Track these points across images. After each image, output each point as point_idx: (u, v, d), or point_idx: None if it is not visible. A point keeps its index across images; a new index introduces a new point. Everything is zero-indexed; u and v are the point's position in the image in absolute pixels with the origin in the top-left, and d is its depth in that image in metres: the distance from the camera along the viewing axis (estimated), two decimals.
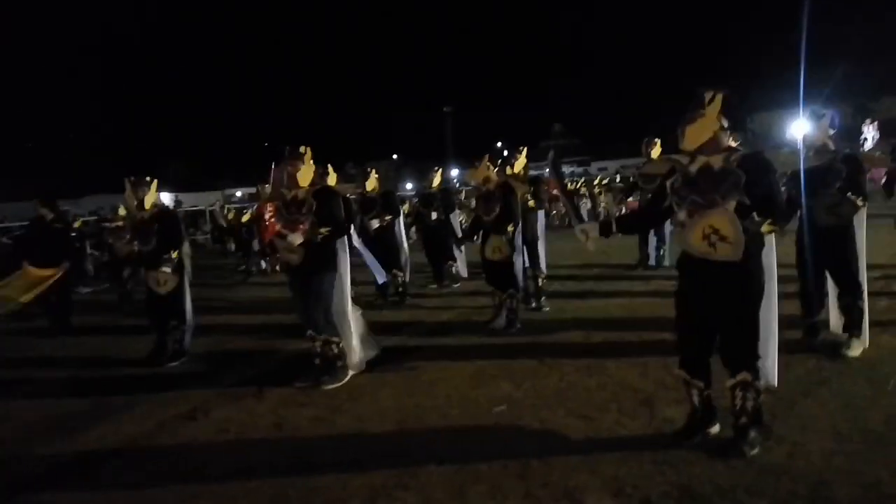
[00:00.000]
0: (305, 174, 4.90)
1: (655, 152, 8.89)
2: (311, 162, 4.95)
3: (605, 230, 3.55)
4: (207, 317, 7.45)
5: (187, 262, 6.07)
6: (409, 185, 29.42)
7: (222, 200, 35.57)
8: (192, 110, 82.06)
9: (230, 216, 15.16)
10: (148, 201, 6.00)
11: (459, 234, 8.62)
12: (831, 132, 4.58)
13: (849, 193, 4.45)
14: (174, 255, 5.82)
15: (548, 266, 7.60)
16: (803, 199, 4.53)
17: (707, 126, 3.15)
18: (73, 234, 10.54)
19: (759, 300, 3.20)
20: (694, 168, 3.21)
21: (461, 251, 9.27)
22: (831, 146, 4.56)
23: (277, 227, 4.85)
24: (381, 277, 6.46)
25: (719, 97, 3.15)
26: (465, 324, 6.71)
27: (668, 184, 3.36)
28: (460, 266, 9.33)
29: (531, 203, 6.89)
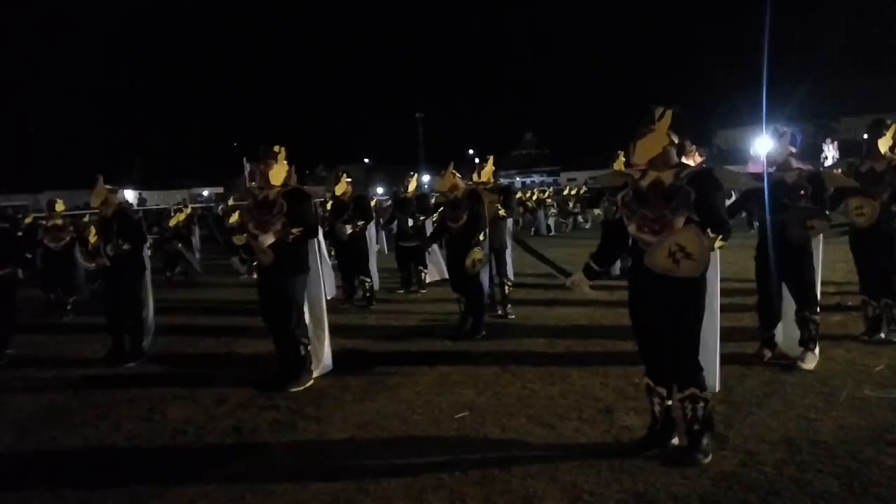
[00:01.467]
0: (278, 173, 4.86)
1: (618, 165, 9.00)
2: (285, 162, 4.92)
3: (589, 273, 3.62)
4: (167, 317, 7.32)
5: (147, 262, 5.98)
6: (379, 190, 29.31)
7: (189, 199, 35.08)
8: (159, 107, 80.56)
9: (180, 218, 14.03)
10: (97, 200, 5.94)
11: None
12: (793, 149, 4.71)
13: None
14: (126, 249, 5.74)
15: (515, 274, 7.65)
16: (767, 214, 4.63)
17: (657, 141, 3.22)
18: (20, 234, 9.14)
19: (702, 314, 3.28)
20: (644, 183, 3.27)
21: (430, 253, 9.24)
22: (793, 163, 4.68)
23: (249, 227, 4.82)
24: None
25: (669, 113, 3.22)
26: (430, 329, 6.71)
27: (619, 197, 3.42)
28: (437, 268, 9.29)
29: (501, 212, 6.94)
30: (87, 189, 6.15)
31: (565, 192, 25.45)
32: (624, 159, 9.00)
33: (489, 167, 7.25)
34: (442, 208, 6.96)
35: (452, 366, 5.21)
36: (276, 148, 4.89)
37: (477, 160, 7.54)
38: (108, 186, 6.08)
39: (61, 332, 7.56)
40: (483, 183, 7.00)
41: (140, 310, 5.87)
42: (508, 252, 7.23)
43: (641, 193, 3.27)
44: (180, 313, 8.17)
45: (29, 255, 7.85)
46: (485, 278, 6.32)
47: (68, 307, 8.80)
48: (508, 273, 7.24)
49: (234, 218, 12.99)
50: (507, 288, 7.17)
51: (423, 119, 65.61)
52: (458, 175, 6.43)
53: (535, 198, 22.35)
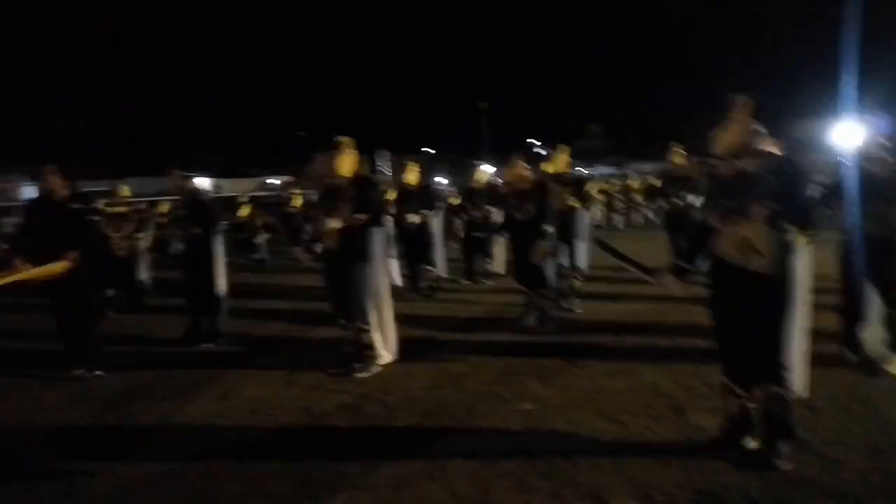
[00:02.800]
0: (346, 163, 4.96)
1: (677, 158, 8.72)
2: (353, 151, 5.01)
3: (678, 271, 3.63)
4: (241, 300, 7.57)
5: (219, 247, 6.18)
6: (442, 180, 29.41)
7: (260, 188, 36.19)
8: (233, 96, 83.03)
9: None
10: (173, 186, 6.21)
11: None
12: (885, 141, 4.44)
13: None
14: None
15: (588, 267, 7.53)
16: (853, 209, 4.41)
17: (739, 131, 3.14)
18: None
19: (786, 309, 3.13)
20: (727, 172, 3.18)
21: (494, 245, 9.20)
22: (887, 156, 4.42)
23: (317, 213, 4.95)
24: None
25: (749, 103, 3.15)
26: (495, 320, 6.71)
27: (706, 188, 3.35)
28: (498, 263, 9.29)
29: (573, 203, 6.84)
30: (165, 176, 6.40)
31: (632, 184, 24.79)
32: (680, 151, 8.73)
33: (564, 157, 7.13)
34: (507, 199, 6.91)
35: (518, 357, 5.20)
36: (344, 138, 4.98)
37: (545, 151, 7.45)
38: (182, 173, 6.33)
39: (143, 312, 7.92)
40: (557, 174, 6.91)
41: (215, 292, 6.10)
42: (582, 244, 7.12)
43: (724, 183, 3.18)
44: (253, 297, 8.42)
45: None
46: (550, 271, 6.26)
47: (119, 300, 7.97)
48: (580, 265, 7.13)
49: (296, 201, 13.30)
50: (575, 281, 7.08)
51: (486, 109, 65.29)
52: (525, 166, 6.38)
53: (602, 189, 21.87)
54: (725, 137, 3.18)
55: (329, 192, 4.97)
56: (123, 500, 3.18)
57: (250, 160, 52.84)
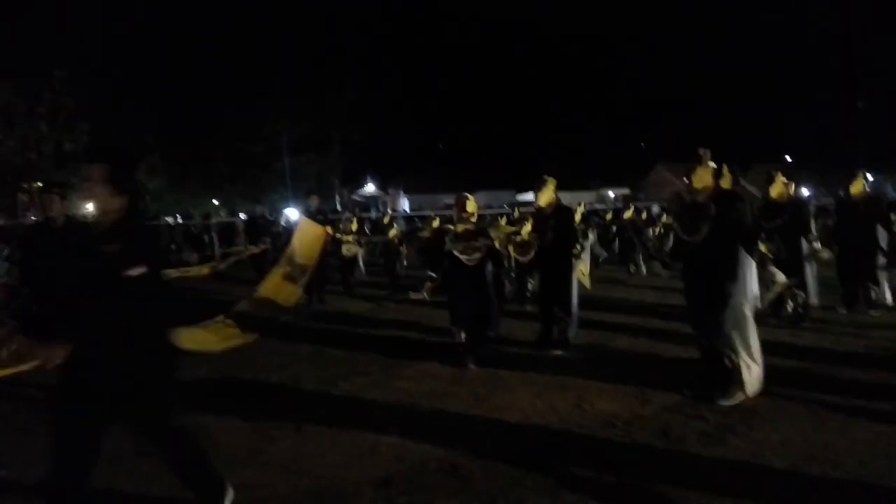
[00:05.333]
0: (702, 176, 4.66)
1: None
2: (710, 163, 4.69)
3: None
4: (591, 312, 7.67)
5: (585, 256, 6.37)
6: (805, 192, 25.70)
7: (595, 200, 36.72)
8: (567, 107, 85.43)
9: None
10: (545, 199, 6.49)
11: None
12: None
13: None
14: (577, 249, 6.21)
15: None
16: None
17: None
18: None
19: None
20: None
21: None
22: None
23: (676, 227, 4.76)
24: None
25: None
26: (883, 357, 5.63)
27: None
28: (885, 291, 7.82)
29: None
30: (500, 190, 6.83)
31: None
32: None
33: None
34: None
35: None
36: (701, 150, 4.67)
37: None
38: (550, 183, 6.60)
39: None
40: None
41: (570, 301, 6.30)
42: None
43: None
44: (606, 310, 8.38)
45: None
46: None
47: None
48: None
49: (628, 214, 13.24)
50: None
51: (863, 109, 55.67)
52: None
53: None
54: None
55: (688, 208, 4.72)
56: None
57: (584, 171, 53.68)
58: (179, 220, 26.84)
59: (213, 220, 22.06)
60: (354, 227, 11.73)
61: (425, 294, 7.09)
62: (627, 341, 6.70)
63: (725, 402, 4.47)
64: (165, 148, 34.54)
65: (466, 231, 6.00)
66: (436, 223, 9.78)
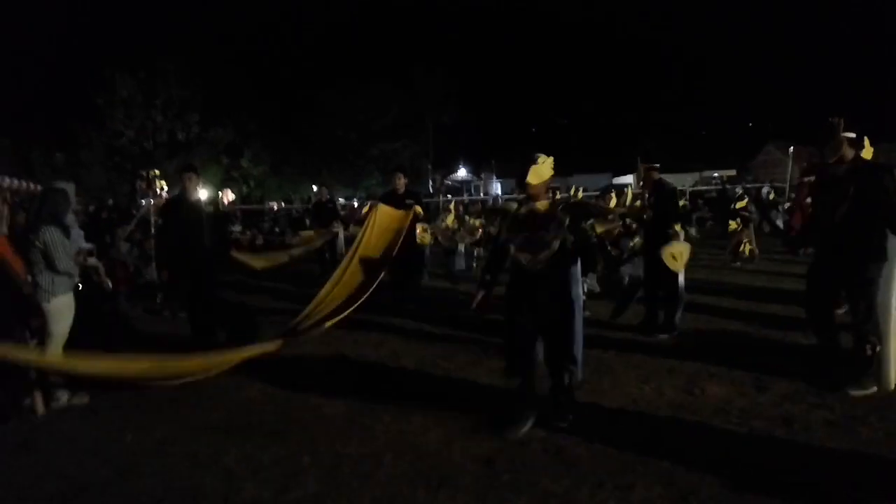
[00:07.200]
0: (837, 148, 4.25)
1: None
2: (846, 134, 4.27)
3: None
4: (698, 296, 7.31)
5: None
6: None
7: (700, 182, 35.13)
8: (672, 86, 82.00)
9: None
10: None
11: None
12: None
13: None
14: (677, 227, 5.87)
15: None
16: None
17: None
18: None
19: None
20: None
21: None
22: None
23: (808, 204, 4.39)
24: None
25: None
26: None
27: None
28: None
29: None
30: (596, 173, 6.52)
31: None
32: None
33: None
34: None
35: None
36: (833, 118, 4.24)
37: None
38: (646, 165, 6.32)
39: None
40: None
41: (675, 284, 6.01)
42: None
43: None
44: (713, 294, 7.97)
45: None
46: None
47: None
48: None
49: (741, 204, 12.30)
50: None
51: None
52: None
53: None
54: None
55: (825, 182, 4.32)
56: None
57: (689, 152, 51.37)
58: (283, 205, 27.94)
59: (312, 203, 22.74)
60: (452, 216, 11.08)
61: (475, 308, 4.15)
62: (740, 326, 6.32)
63: (856, 392, 4.11)
64: (267, 137, 35.82)
65: (532, 215, 3.91)
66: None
